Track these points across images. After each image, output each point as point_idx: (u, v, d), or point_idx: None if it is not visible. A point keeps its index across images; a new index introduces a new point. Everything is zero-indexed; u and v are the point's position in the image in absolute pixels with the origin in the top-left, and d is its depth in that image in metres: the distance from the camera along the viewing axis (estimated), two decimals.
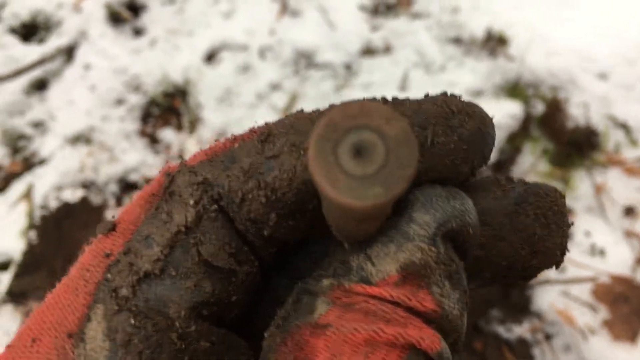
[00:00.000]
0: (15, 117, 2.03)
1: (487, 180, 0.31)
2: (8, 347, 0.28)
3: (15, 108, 2.05)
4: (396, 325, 0.24)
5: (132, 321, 0.26)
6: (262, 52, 1.99)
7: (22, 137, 1.99)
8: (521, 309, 1.46)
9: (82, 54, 2.09)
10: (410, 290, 0.25)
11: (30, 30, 2.25)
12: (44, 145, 1.95)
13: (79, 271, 0.28)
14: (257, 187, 0.27)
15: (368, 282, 0.25)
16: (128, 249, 0.27)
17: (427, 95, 0.29)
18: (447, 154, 0.28)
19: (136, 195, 0.30)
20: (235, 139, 0.30)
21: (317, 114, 0.29)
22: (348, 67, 1.91)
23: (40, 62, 2.06)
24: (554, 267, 0.32)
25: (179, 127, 1.95)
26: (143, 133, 1.95)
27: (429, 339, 0.24)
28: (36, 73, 2.08)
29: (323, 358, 0.23)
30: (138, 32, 2.15)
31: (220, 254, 0.27)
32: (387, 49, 1.90)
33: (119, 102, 2.00)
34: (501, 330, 1.44)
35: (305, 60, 1.96)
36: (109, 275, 0.27)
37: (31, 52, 2.15)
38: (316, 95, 1.85)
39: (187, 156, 0.30)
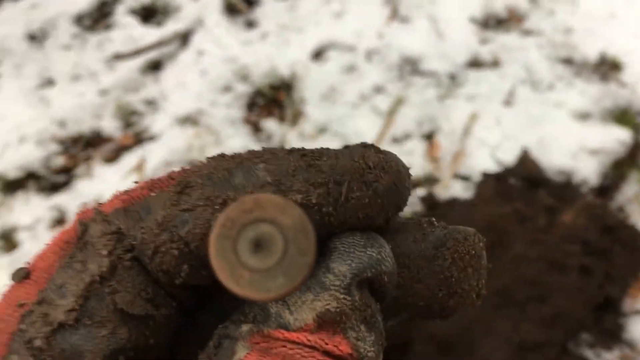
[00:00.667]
0: (129, 93, 2.17)
1: (410, 223, 0.32)
2: None
3: (130, 85, 2.19)
4: None
5: None
6: (369, 55, 2.05)
7: (134, 112, 2.13)
8: (613, 335, 1.46)
9: (197, 41, 2.21)
10: (327, 335, 0.26)
11: (149, 13, 2.39)
12: (155, 122, 2.08)
13: None
14: (170, 240, 0.27)
15: (286, 329, 0.26)
16: (42, 299, 0.27)
17: (346, 147, 0.30)
18: (362, 207, 0.28)
19: (50, 241, 0.30)
20: (153, 185, 0.30)
21: (236, 162, 0.29)
22: (453, 77, 1.94)
23: (159, 44, 2.19)
24: (471, 308, 0.33)
25: (281, 119, 2.03)
26: (247, 121, 2.05)
27: None
28: (153, 54, 2.21)
29: None
30: (250, 24, 2.25)
31: (136, 301, 0.28)
32: (495, 63, 1.92)
33: (227, 89, 2.10)
34: (590, 354, 1.44)
35: (410, 67, 2.00)
36: (22, 326, 0.27)
37: (149, 34, 2.29)
38: (419, 102, 1.89)
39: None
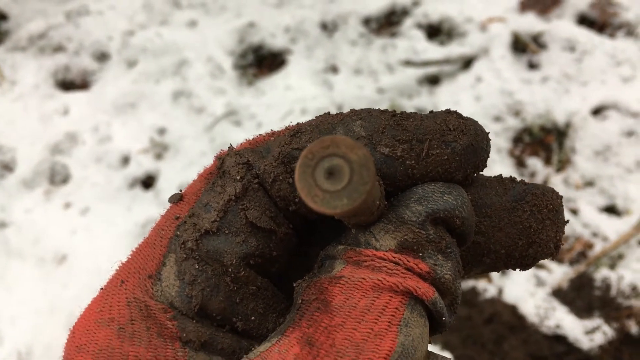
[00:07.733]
0: (404, 97, 2.37)
1: (493, 179, 0.36)
2: (101, 289, 0.36)
3: (406, 91, 2.39)
4: (397, 277, 0.30)
5: (197, 266, 0.33)
6: None
7: None
8: None
9: (478, 67, 2.36)
10: (408, 257, 0.31)
11: (434, 32, 2.59)
12: None
13: (155, 231, 0.36)
14: (285, 172, 0.34)
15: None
16: (192, 213, 0.35)
17: (431, 112, 0.34)
18: (441, 163, 0.33)
19: (198, 174, 0.38)
20: (272, 133, 0.37)
21: (339, 118, 0.35)
22: None
23: (445, 61, 2.37)
24: (549, 259, 0.36)
25: (547, 161, 2.11)
26: (511, 153, 2.15)
27: (424, 288, 0.30)
28: (432, 69, 2.40)
29: (338, 300, 0.30)
30: (533, 65, 2.36)
31: (262, 217, 0.34)
32: None
33: (498, 119, 2.22)
34: None
35: None
36: (178, 233, 0.34)
37: (431, 50, 2.48)
38: None
39: None
